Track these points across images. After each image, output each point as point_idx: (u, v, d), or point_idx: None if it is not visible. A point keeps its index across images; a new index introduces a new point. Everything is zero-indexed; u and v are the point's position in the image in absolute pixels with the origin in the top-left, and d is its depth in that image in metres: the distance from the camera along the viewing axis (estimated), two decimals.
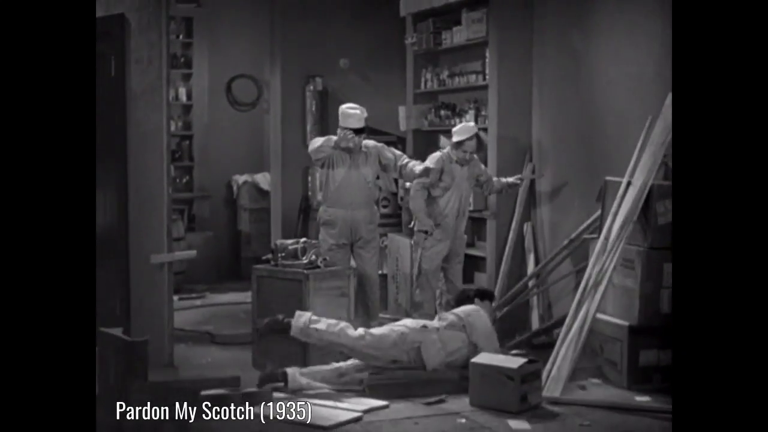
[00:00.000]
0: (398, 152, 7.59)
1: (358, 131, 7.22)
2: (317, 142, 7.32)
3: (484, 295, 6.85)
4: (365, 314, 7.36)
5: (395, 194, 9.17)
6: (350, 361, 6.22)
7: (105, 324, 5.71)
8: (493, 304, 7.21)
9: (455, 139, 7.53)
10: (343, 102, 7.51)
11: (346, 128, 7.21)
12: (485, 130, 8.43)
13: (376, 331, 6.31)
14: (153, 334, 6.38)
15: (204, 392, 5.84)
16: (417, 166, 7.37)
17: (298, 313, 6.34)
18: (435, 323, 6.44)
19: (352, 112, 7.26)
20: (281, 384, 6.09)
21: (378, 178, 7.64)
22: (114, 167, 6.65)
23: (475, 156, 7.66)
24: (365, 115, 7.32)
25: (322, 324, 6.26)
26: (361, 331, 6.27)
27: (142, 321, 6.62)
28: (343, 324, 6.31)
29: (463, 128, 7.59)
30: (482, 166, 7.84)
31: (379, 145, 7.50)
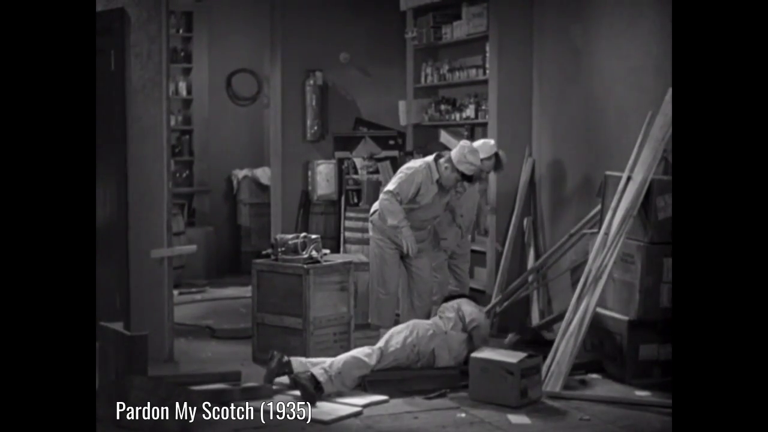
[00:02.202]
0: None
1: (468, 179, 7.02)
2: (392, 210, 6.89)
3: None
4: (411, 310, 7.21)
5: None
6: (343, 356, 6.19)
7: (105, 318, 5.72)
8: (489, 306, 7.31)
9: None
10: (343, 96, 7.43)
11: (457, 170, 6.92)
12: (485, 125, 8.43)
13: (390, 347, 6.19)
14: (153, 329, 6.40)
15: (204, 387, 5.87)
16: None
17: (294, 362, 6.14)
18: (440, 323, 6.45)
19: (472, 160, 6.91)
20: (287, 373, 6.02)
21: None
22: (114, 162, 6.65)
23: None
24: (480, 167, 7.13)
25: (327, 363, 6.04)
26: (376, 354, 6.14)
27: (142, 315, 6.63)
28: (349, 355, 6.15)
29: (483, 146, 7.35)
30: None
31: None
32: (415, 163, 7.16)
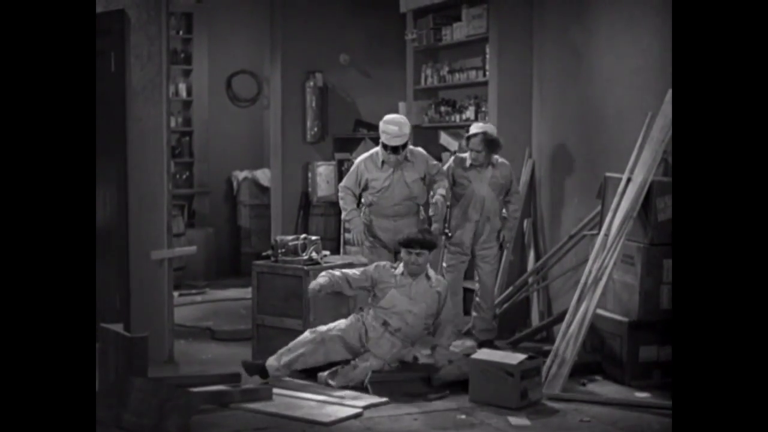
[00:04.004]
0: (437, 163, 7.28)
1: (395, 150, 6.91)
2: (343, 206, 7.11)
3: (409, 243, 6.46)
4: None
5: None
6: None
7: (105, 320, 5.72)
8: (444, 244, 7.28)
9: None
10: (343, 98, 7.41)
11: (383, 147, 6.92)
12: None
13: (324, 326, 6.42)
14: (153, 330, 6.40)
15: (204, 388, 5.88)
16: (440, 189, 7.06)
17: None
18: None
19: (383, 128, 6.91)
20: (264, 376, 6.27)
21: (424, 182, 7.16)
22: (114, 163, 6.65)
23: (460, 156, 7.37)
24: (405, 131, 6.93)
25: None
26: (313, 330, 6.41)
27: (142, 317, 6.63)
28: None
29: (472, 127, 7.33)
30: (434, 163, 7.29)
31: (425, 153, 7.20)
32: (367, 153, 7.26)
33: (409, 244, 6.38)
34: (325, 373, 6.23)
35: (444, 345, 6.38)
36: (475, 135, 7.19)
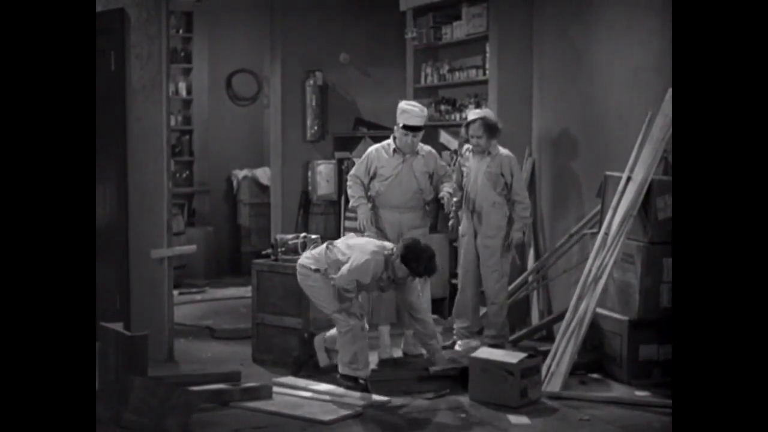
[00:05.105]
0: (445, 164, 7.30)
1: (413, 129, 6.90)
2: (351, 194, 7.09)
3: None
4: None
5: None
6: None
7: (105, 319, 5.73)
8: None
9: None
10: (343, 96, 7.40)
11: (403, 126, 6.90)
12: None
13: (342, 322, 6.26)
14: (153, 329, 6.40)
15: (204, 387, 5.88)
16: (447, 186, 7.04)
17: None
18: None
19: (409, 108, 6.94)
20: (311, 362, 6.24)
21: (431, 180, 7.12)
22: (114, 162, 6.65)
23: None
24: (425, 114, 6.99)
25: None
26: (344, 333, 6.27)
27: (142, 316, 6.63)
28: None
29: (470, 113, 7.31)
30: (441, 162, 7.28)
31: (435, 153, 7.22)
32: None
33: (412, 268, 6.07)
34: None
35: (432, 343, 6.43)
36: (474, 121, 7.12)
